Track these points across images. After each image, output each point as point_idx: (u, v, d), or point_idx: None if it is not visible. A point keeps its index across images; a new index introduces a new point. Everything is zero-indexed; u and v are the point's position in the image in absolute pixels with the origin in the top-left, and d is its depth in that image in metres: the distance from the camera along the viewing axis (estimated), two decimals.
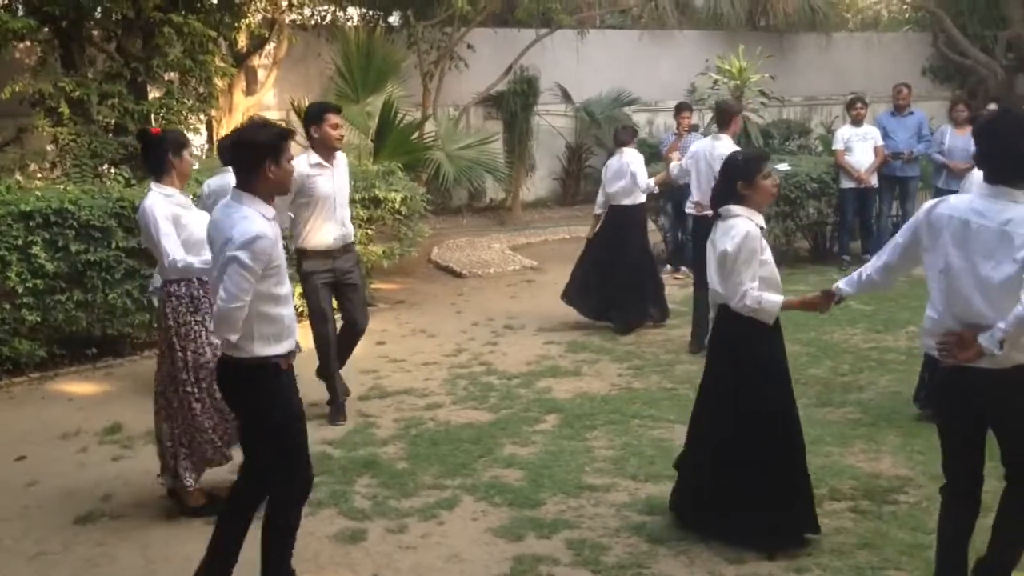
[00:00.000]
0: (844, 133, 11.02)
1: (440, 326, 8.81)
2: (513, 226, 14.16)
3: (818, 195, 10.78)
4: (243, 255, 3.64)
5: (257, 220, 3.73)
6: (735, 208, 4.42)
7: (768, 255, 4.42)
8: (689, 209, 7.99)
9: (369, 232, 9.16)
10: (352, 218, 8.57)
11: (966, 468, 3.76)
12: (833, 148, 11.11)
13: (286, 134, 3.88)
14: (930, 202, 3.80)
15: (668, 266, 10.84)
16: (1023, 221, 3.43)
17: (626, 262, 8.38)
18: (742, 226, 4.35)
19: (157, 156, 4.92)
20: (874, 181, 10.91)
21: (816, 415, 6.08)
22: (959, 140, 11.08)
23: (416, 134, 11.08)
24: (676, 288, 9.75)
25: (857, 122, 10.99)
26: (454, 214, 14.60)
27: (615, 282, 8.38)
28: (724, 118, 7.70)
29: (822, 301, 4.30)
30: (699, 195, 7.67)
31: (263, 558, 4.00)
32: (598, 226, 8.68)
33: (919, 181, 11.42)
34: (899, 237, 3.88)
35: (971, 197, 3.65)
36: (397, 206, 9.17)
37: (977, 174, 4.47)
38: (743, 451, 4.40)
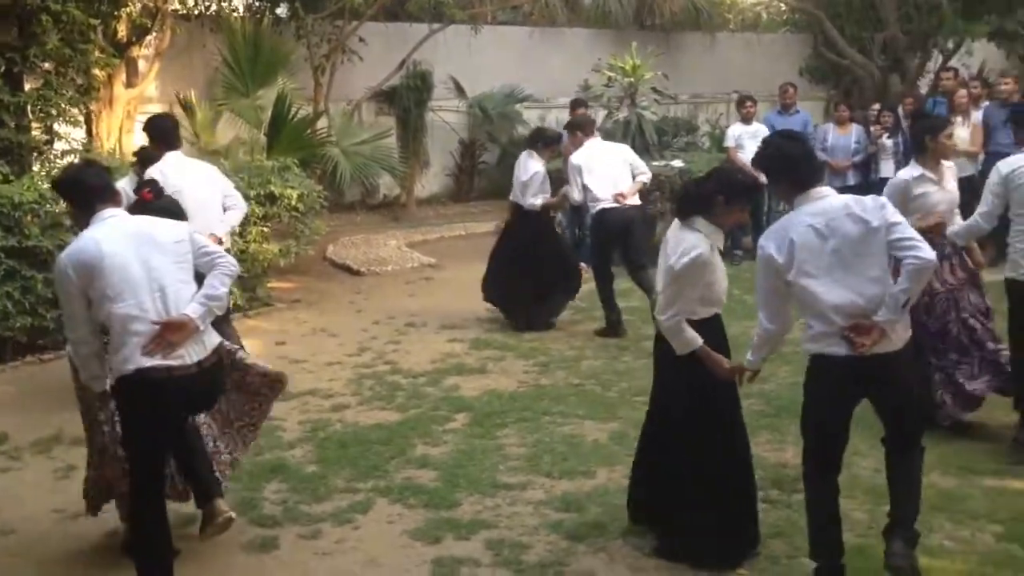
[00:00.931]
0: (735, 131, 11.29)
1: (341, 325, 8.64)
2: (408, 223, 14.02)
3: None
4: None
5: (77, 243, 3.82)
6: (700, 222, 4.24)
7: (720, 273, 4.32)
8: (608, 203, 8.06)
9: (264, 230, 8.91)
10: (248, 215, 8.34)
11: (840, 446, 4.07)
12: (725, 145, 11.37)
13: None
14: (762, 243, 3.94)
15: None
16: (860, 200, 3.83)
17: (542, 263, 8.37)
18: (698, 245, 4.16)
19: None
20: (764, 178, 11.18)
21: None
22: (840, 139, 11.52)
23: (310, 129, 10.83)
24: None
25: (747, 120, 11.28)
26: (347, 211, 14.35)
27: (526, 281, 8.37)
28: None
29: (736, 372, 4.35)
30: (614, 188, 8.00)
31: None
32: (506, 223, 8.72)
33: None
34: (765, 288, 3.96)
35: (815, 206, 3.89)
36: (293, 203, 8.95)
37: None
38: (701, 456, 4.36)
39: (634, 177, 8.23)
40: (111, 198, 3.95)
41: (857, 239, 3.76)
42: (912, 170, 5.61)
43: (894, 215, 3.79)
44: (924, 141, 5.61)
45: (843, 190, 11.84)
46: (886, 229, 3.74)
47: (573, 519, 4.72)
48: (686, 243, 4.18)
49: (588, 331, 8.26)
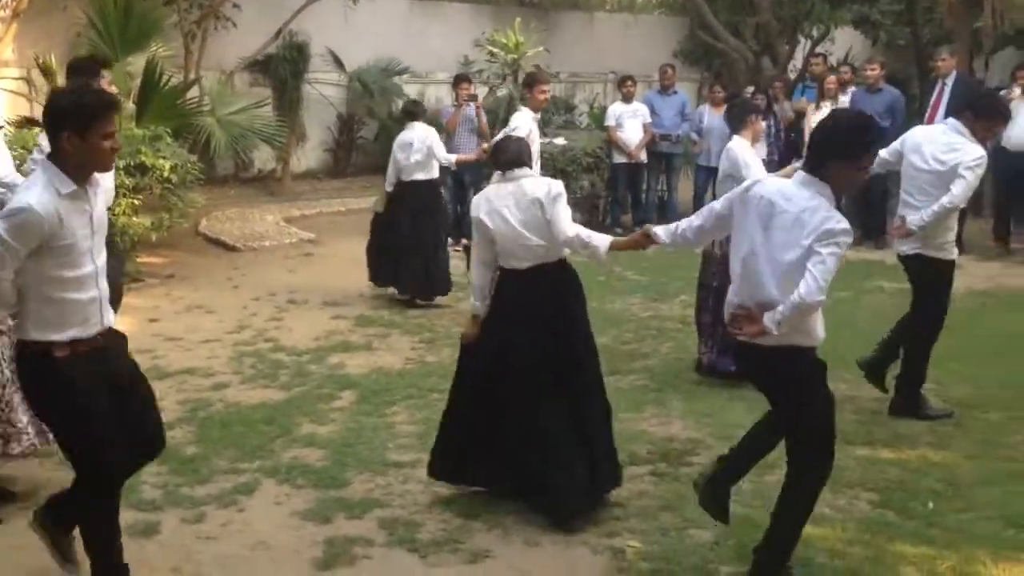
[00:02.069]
0: (616, 110, 11.44)
1: (218, 302, 8.35)
2: (285, 198, 13.66)
3: (592, 169, 11.13)
4: (2, 227, 3.30)
5: (36, 192, 3.36)
6: (528, 170, 4.65)
7: None
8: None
9: (135, 202, 8.51)
10: (117, 186, 7.95)
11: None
12: (605, 124, 11.49)
13: (94, 107, 3.45)
14: (751, 180, 3.97)
15: (449, 239, 10.82)
16: (816, 211, 3.61)
17: (424, 236, 8.32)
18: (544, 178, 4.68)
19: None
20: (643, 157, 11.40)
21: (607, 383, 6.16)
22: (716, 120, 11.79)
23: (182, 98, 10.39)
24: (458, 260, 9.73)
25: (627, 99, 11.43)
26: (220, 184, 13.86)
27: (413, 255, 8.30)
28: (523, 91, 8.22)
29: (643, 241, 4.36)
30: None
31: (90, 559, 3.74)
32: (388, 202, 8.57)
33: (682, 158, 12.06)
34: (716, 205, 4.03)
35: (787, 182, 3.84)
36: (166, 174, 8.57)
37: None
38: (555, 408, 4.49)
39: None
40: None
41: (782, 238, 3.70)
42: (740, 141, 6.19)
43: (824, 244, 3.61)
44: (745, 122, 6.24)
45: (718, 170, 12.20)
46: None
47: (466, 496, 4.68)
48: (543, 180, 4.65)
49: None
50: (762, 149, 11.39)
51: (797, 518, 3.88)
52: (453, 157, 8.78)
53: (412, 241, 8.27)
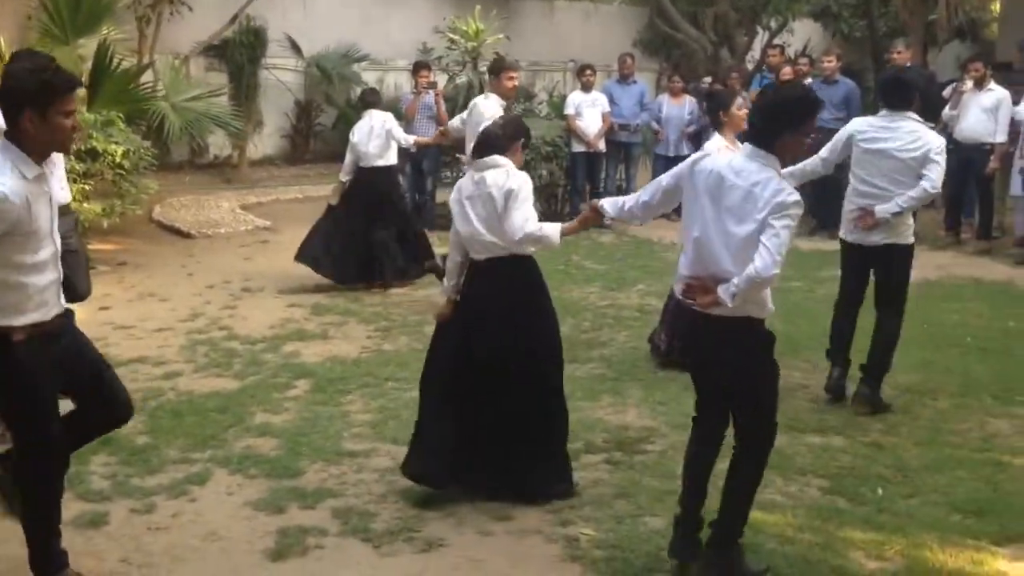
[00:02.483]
0: (575, 99, 11.43)
1: (171, 289, 8.25)
2: (240, 184, 13.53)
3: (551, 158, 11.12)
4: None
5: (6, 179, 3.28)
6: (500, 159, 4.52)
7: None
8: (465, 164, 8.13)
9: (85, 188, 8.38)
10: (67, 171, 7.82)
11: (713, 412, 3.98)
12: (565, 113, 11.49)
13: (55, 84, 3.34)
14: (698, 154, 3.98)
15: None
16: (767, 184, 3.63)
17: (386, 223, 8.30)
18: (517, 171, 4.51)
19: None
20: (602, 146, 11.42)
21: (565, 372, 6.25)
22: (674, 109, 11.88)
23: (135, 83, 10.23)
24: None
25: (587, 88, 11.44)
26: (175, 171, 13.69)
27: (372, 244, 8.26)
28: (490, 77, 8.14)
29: (592, 216, 4.39)
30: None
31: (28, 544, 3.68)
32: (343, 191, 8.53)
33: (641, 147, 12.10)
34: (663, 180, 4.03)
35: (735, 156, 3.85)
36: (118, 159, 8.44)
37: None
38: (512, 401, 4.51)
39: None
40: None
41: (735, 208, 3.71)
42: (717, 142, 5.79)
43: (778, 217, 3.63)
44: (719, 116, 5.94)
45: (676, 160, 12.28)
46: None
47: (420, 486, 4.66)
48: (506, 172, 4.50)
49: (430, 296, 8.19)
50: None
51: (749, 493, 3.92)
52: (412, 139, 8.85)
53: (369, 229, 8.23)
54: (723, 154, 4.04)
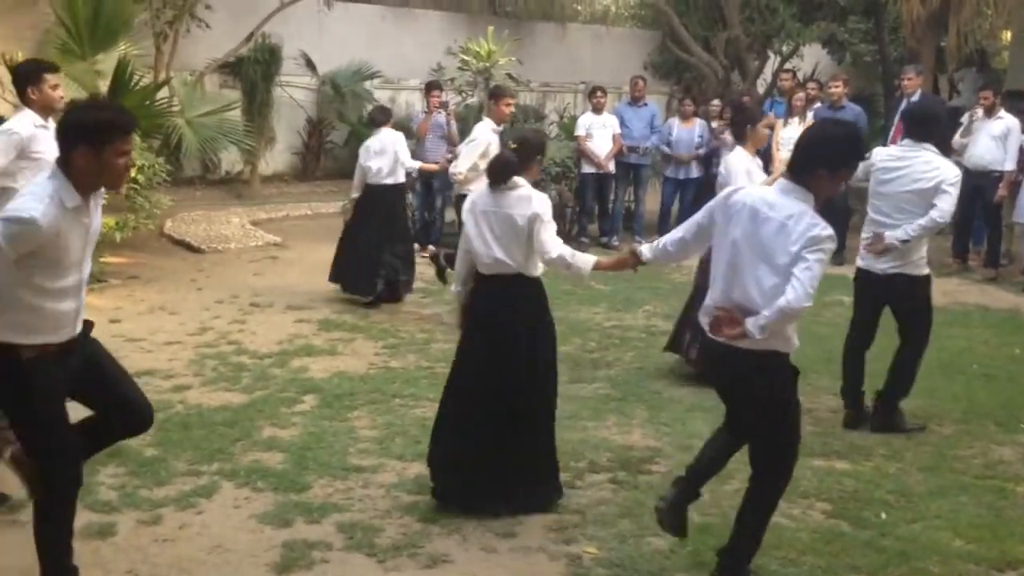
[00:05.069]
0: (586, 120, 11.50)
1: (181, 304, 8.31)
2: (251, 200, 13.61)
3: (560, 179, 11.19)
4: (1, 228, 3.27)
5: (43, 206, 3.31)
6: (519, 179, 4.61)
7: None
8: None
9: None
10: None
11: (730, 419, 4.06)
12: (576, 134, 11.55)
13: (114, 124, 3.43)
14: (731, 187, 4.01)
15: (416, 244, 10.84)
16: (801, 218, 3.66)
17: (394, 242, 8.40)
18: (536, 193, 4.59)
19: None
20: (612, 167, 11.48)
21: (570, 391, 6.27)
22: (684, 132, 11.92)
23: (151, 99, 10.33)
24: (424, 265, 9.75)
25: (598, 110, 11.50)
26: (187, 185, 13.80)
27: (380, 263, 8.36)
28: (493, 98, 8.35)
29: (630, 260, 4.42)
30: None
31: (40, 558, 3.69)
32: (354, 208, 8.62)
33: (650, 169, 12.16)
34: (698, 216, 4.06)
35: (768, 190, 3.89)
36: (133, 174, 8.51)
37: None
38: (533, 416, 4.59)
39: None
40: None
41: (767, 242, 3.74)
42: (739, 154, 6.26)
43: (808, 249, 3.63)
44: (745, 129, 6.31)
45: (686, 182, 12.31)
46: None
47: (426, 501, 4.69)
48: (530, 194, 4.60)
49: (438, 314, 8.25)
50: None
51: (762, 521, 3.95)
52: (417, 164, 8.96)
53: (378, 245, 8.32)
54: (756, 188, 4.09)
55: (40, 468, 3.65)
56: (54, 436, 3.60)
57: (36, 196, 3.35)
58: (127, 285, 8.91)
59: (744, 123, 6.40)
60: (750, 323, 3.65)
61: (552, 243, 4.51)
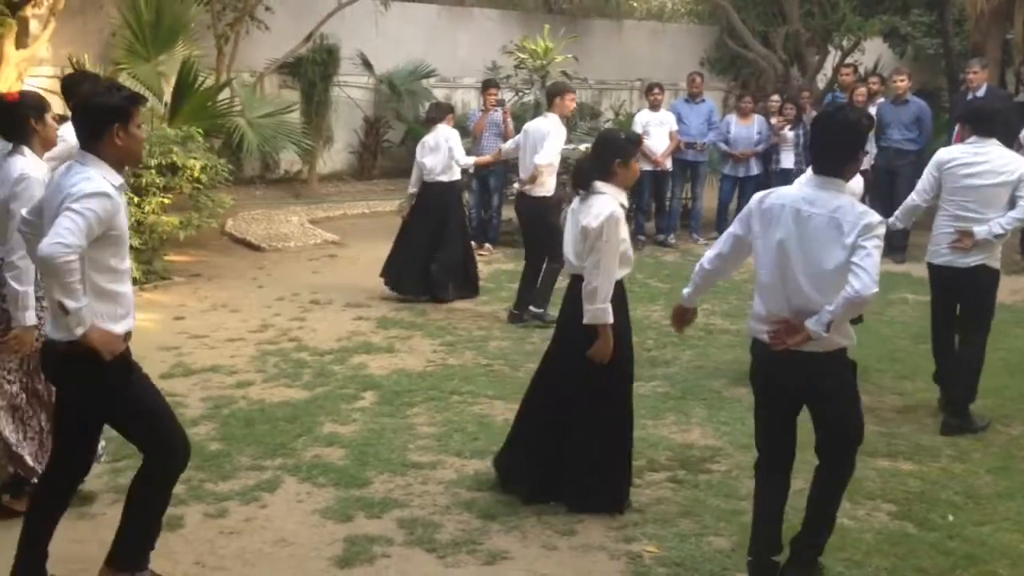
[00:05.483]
0: (643, 118, 11.43)
1: (242, 301, 8.44)
2: (310, 199, 13.77)
3: None
4: (79, 205, 3.33)
5: (99, 181, 3.44)
6: (601, 185, 4.55)
7: (625, 233, 4.57)
8: (517, 186, 8.19)
9: (164, 201, 8.62)
10: (148, 185, 8.13)
11: (779, 445, 3.95)
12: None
13: (136, 99, 3.64)
14: (760, 193, 3.94)
15: (473, 242, 10.88)
16: (849, 209, 3.63)
17: (448, 238, 8.43)
18: (608, 205, 4.47)
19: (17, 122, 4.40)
20: (669, 165, 11.40)
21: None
22: (742, 130, 11.79)
23: (212, 99, 10.52)
24: (481, 264, 9.79)
25: (655, 107, 11.43)
26: (247, 185, 14.01)
27: (436, 258, 8.40)
28: (550, 98, 7.96)
29: (687, 315, 4.24)
30: (524, 172, 7.97)
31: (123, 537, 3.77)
32: (412, 204, 8.67)
33: (707, 166, 12.05)
34: (732, 229, 3.97)
35: (799, 187, 3.82)
36: (196, 174, 8.67)
37: None
38: (590, 418, 4.56)
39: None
40: None
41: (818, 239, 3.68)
42: None
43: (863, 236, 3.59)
44: None
45: (744, 180, 12.17)
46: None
47: (485, 498, 4.71)
48: (596, 207, 4.48)
49: (495, 311, 8.27)
50: (790, 158, 11.40)
51: (834, 510, 3.95)
52: (471, 160, 8.89)
53: (435, 243, 8.37)
54: (786, 188, 3.97)
55: (160, 451, 3.72)
56: (167, 419, 3.73)
57: (90, 179, 3.43)
58: (190, 283, 9.07)
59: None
60: (812, 323, 3.60)
61: (594, 272, 4.42)
